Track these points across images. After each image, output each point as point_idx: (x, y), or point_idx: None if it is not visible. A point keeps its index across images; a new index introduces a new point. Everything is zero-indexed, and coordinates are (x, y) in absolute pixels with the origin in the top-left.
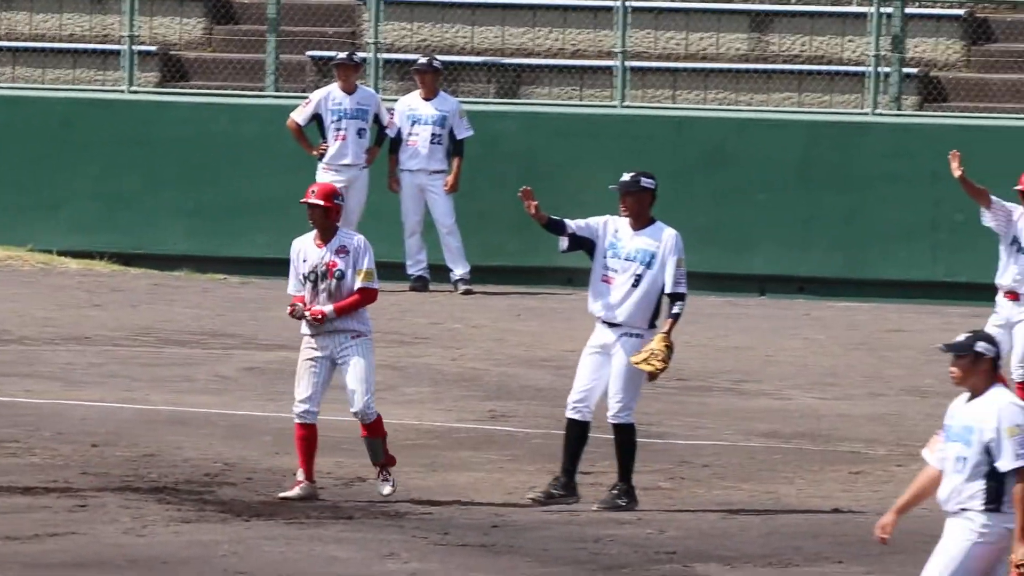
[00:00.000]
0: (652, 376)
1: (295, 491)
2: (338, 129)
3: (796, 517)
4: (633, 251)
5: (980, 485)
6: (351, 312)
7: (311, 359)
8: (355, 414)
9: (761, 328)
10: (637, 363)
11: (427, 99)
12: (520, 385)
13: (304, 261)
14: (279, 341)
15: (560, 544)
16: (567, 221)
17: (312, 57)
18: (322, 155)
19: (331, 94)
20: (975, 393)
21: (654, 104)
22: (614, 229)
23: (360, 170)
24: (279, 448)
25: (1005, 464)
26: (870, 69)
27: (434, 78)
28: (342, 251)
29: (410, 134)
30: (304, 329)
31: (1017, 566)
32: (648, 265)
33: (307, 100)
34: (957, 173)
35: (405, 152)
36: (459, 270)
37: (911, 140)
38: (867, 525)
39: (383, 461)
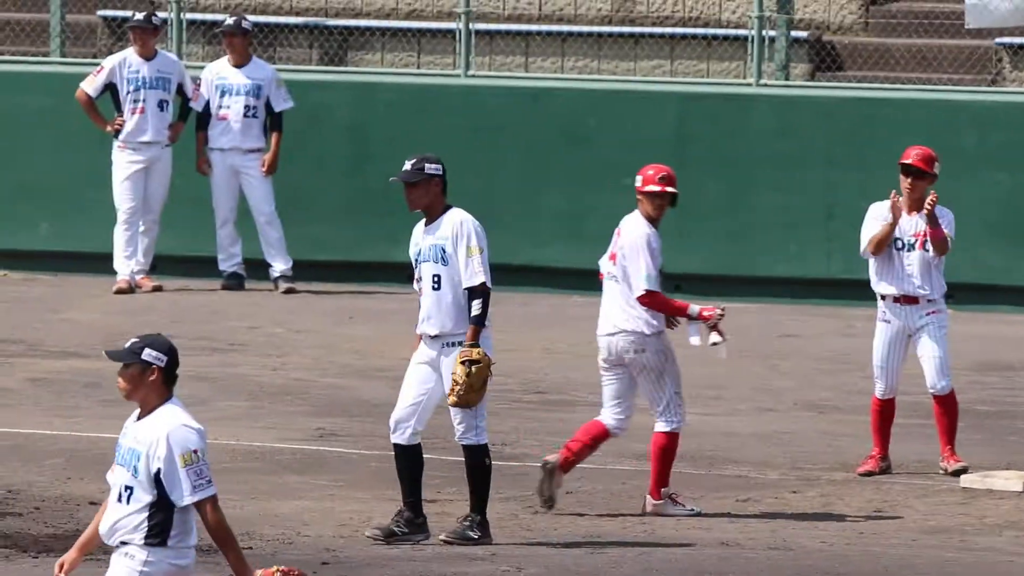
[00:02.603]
0: (461, 405)
1: None
2: (135, 101)
3: (676, 552)
4: (427, 249)
5: (143, 516)
6: None
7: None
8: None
9: None
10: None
11: (238, 66)
12: (353, 399)
13: None
14: (69, 348)
15: None
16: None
17: (104, 17)
18: (118, 131)
19: (127, 60)
20: (145, 409)
21: (503, 73)
22: (415, 239)
23: (162, 149)
24: (72, 472)
25: (184, 498)
26: (753, 33)
27: (244, 42)
28: None
29: (220, 107)
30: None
31: None
32: (442, 261)
33: (99, 68)
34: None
35: (215, 128)
36: (280, 265)
37: (801, 115)
38: (758, 561)
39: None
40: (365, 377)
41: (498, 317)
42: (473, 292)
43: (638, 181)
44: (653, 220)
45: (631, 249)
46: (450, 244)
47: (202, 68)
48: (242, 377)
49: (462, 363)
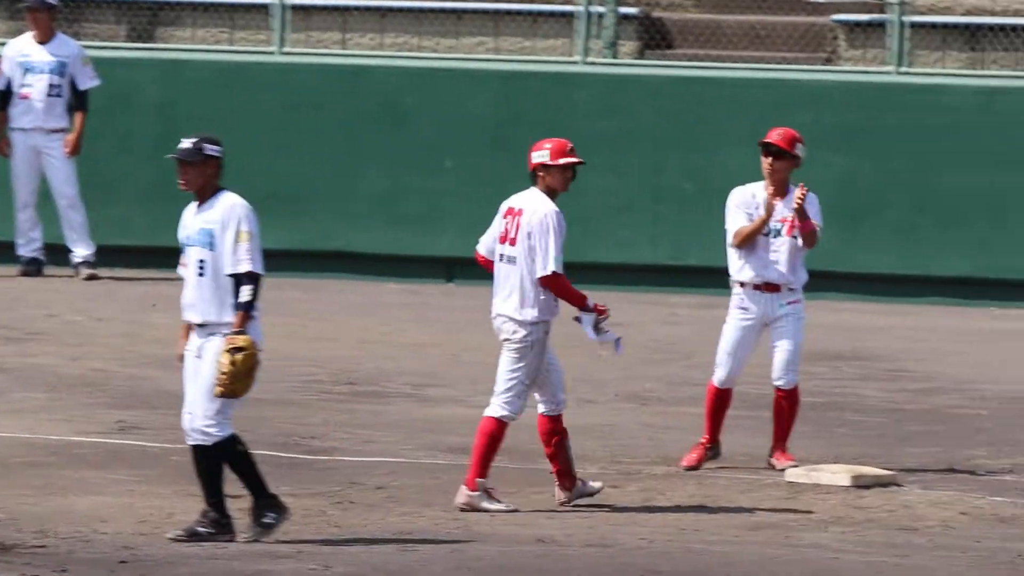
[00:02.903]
0: (228, 395)
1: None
2: None
3: (489, 549)
4: (194, 233)
5: None
6: None
7: None
8: None
9: (448, 321)
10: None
11: (42, 43)
12: (156, 390)
13: None
14: None
15: None
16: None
17: None
18: None
19: None
20: None
21: (320, 50)
22: (184, 221)
23: None
24: None
25: None
26: (580, 9)
27: (48, 17)
28: None
29: (22, 85)
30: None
31: None
32: (210, 246)
33: None
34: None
35: (16, 107)
36: (81, 250)
37: (628, 94)
38: (575, 559)
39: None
40: (168, 367)
41: (310, 305)
42: (240, 279)
43: (542, 156)
44: (554, 195)
45: (540, 227)
46: (219, 228)
47: (3, 45)
48: (39, 367)
49: (227, 351)
